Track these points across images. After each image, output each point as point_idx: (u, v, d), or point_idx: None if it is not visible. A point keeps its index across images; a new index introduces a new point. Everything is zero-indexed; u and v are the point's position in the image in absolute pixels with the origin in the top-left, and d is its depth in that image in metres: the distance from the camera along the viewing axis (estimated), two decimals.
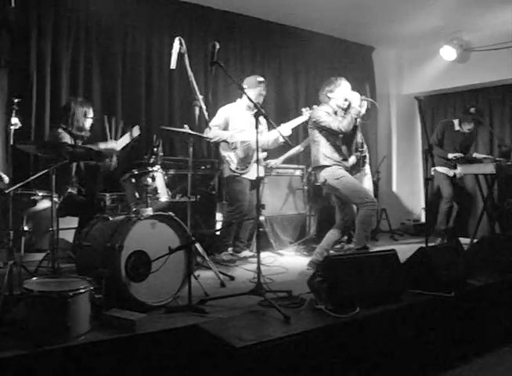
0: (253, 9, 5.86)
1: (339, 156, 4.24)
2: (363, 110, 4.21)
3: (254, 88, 4.62)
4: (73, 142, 3.89)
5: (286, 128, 4.61)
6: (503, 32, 6.03)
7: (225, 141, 4.58)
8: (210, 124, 4.43)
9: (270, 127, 4.65)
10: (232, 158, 4.58)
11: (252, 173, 4.62)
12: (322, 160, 4.21)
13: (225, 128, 4.62)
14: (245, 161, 4.61)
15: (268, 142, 4.73)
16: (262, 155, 4.82)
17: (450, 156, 5.61)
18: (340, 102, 4.26)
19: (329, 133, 4.18)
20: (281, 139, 4.43)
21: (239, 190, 4.59)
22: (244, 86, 4.63)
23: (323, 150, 4.21)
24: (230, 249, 4.68)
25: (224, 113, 4.65)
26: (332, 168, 4.18)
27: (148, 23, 5.40)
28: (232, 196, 4.65)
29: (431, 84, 7.12)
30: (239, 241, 4.78)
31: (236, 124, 4.62)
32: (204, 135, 4.16)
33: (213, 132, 4.48)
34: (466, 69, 6.63)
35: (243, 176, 4.60)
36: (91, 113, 4.09)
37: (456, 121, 5.84)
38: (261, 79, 4.69)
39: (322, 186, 4.47)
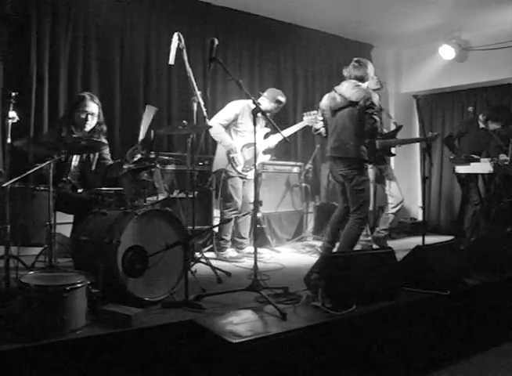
0: (252, 5, 5.85)
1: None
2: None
3: (269, 102, 4.69)
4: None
5: (285, 134, 4.66)
6: (502, 32, 6.04)
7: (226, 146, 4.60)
8: (219, 117, 4.56)
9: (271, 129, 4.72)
10: (239, 160, 4.60)
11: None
12: (363, 155, 4.02)
13: (229, 124, 4.62)
14: (250, 163, 4.62)
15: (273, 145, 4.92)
16: (266, 158, 4.94)
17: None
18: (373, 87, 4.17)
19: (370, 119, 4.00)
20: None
21: (234, 187, 4.62)
22: (264, 94, 4.68)
23: (364, 142, 4.01)
24: (229, 244, 4.70)
25: (235, 108, 4.63)
26: (365, 166, 4.08)
27: (147, 19, 5.39)
28: (226, 193, 4.65)
29: (430, 82, 7.13)
30: (241, 238, 4.79)
31: (244, 120, 4.62)
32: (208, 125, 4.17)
33: (217, 129, 4.49)
34: (465, 68, 6.64)
35: (238, 172, 4.63)
36: (90, 108, 3.89)
37: (480, 118, 5.67)
38: (282, 99, 4.73)
39: (337, 174, 4.22)
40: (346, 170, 4.07)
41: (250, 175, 4.69)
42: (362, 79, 4.15)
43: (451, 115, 7.35)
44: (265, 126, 4.78)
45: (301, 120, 4.92)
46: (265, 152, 4.89)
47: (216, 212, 5.18)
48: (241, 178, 4.66)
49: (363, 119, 4.00)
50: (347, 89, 4.09)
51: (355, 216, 4.09)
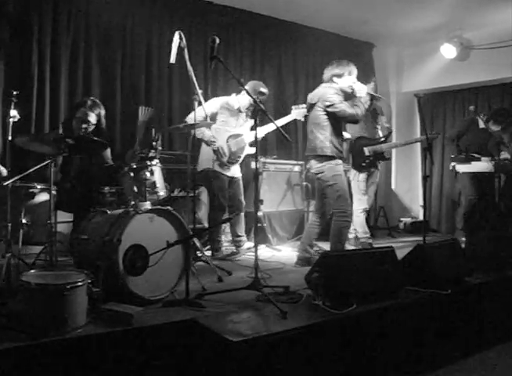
0: (253, 4, 5.85)
1: (341, 147, 4.14)
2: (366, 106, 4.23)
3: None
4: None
5: (271, 127, 4.63)
6: (504, 30, 6.03)
7: (205, 142, 4.54)
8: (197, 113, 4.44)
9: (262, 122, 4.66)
10: (224, 151, 4.54)
11: (231, 170, 4.66)
12: (329, 150, 4.03)
13: (210, 119, 4.53)
14: (236, 155, 4.61)
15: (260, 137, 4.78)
16: (252, 150, 4.75)
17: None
18: (345, 86, 4.12)
19: (339, 120, 4.09)
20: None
21: (219, 186, 4.58)
22: (246, 87, 4.63)
23: (333, 139, 4.05)
24: (221, 244, 4.69)
25: (213, 106, 4.56)
26: (336, 162, 4.06)
27: (148, 17, 5.39)
28: (212, 192, 4.63)
29: (431, 81, 7.12)
30: (238, 236, 4.78)
31: (224, 118, 4.60)
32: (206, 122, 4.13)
33: (200, 130, 4.46)
34: (466, 67, 6.62)
35: (223, 173, 4.59)
36: (86, 116, 3.81)
37: (480, 118, 5.67)
38: (265, 90, 4.60)
39: (312, 174, 4.30)
40: (316, 168, 4.13)
41: (236, 172, 4.68)
42: (331, 79, 4.14)
43: (452, 114, 7.35)
44: (251, 118, 4.67)
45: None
46: (252, 144, 4.75)
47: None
48: (227, 177, 4.62)
49: (323, 119, 4.06)
50: (311, 93, 4.23)
51: (335, 210, 4.09)
